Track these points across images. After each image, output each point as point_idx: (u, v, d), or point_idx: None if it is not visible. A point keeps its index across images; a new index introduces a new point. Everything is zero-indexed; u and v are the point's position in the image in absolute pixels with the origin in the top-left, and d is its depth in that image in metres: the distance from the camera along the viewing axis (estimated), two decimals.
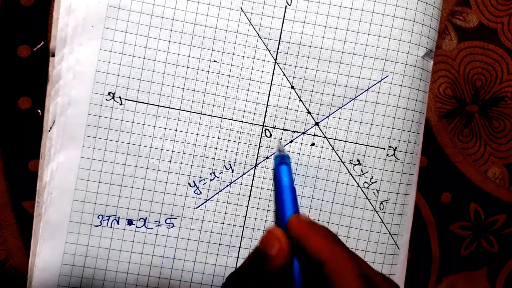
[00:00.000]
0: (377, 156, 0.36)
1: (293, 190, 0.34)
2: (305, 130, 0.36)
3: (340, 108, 0.36)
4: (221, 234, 0.36)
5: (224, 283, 0.33)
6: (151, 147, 0.35)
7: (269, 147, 0.36)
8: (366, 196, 0.36)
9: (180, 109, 0.35)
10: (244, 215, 0.36)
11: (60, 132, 0.34)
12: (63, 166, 0.34)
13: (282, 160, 0.34)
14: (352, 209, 0.36)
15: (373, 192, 0.36)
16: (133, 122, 0.35)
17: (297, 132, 0.36)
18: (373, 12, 0.35)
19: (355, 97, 0.36)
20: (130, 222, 0.35)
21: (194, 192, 0.35)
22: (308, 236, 0.29)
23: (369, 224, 0.36)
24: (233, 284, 0.31)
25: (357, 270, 0.27)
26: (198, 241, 0.36)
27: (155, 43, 0.34)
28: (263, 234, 0.35)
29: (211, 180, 0.35)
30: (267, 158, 0.36)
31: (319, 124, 0.36)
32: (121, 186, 0.35)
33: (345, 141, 0.36)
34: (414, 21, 0.35)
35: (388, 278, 0.29)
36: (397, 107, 0.36)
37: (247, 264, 0.31)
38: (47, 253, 0.34)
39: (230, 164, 0.35)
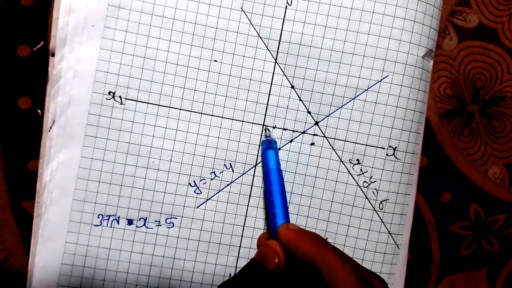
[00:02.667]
0: (377, 156, 0.36)
1: (279, 172, 0.34)
2: (305, 130, 0.36)
3: (340, 107, 0.36)
4: (222, 233, 0.36)
5: None
6: (151, 147, 0.35)
7: None
8: (365, 196, 0.36)
9: (180, 109, 0.35)
10: (245, 215, 0.36)
11: (60, 132, 0.34)
12: (63, 165, 0.34)
13: (269, 144, 0.35)
14: (351, 208, 0.36)
15: (373, 192, 0.36)
16: (133, 122, 0.35)
17: (297, 131, 0.36)
18: (373, 12, 0.35)
19: (355, 97, 0.36)
20: (130, 222, 0.35)
21: (195, 191, 0.35)
22: (299, 243, 0.30)
23: (368, 223, 0.36)
24: None
25: (351, 268, 0.28)
26: (199, 240, 0.36)
27: (156, 43, 0.34)
28: (258, 242, 0.35)
29: (211, 179, 0.35)
30: None
31: (319, 123, 0.36)
32: (121, 185, 0.35)
33: (345, 141, 0.36)
34: (414, 21, 0.35)
35: (374, 273, 0.30)
36: (397, 107, 0.36)
37: (241, 275, 0.31)
38: (47, 253, 0.34)
39: (230, 163, 0.35)
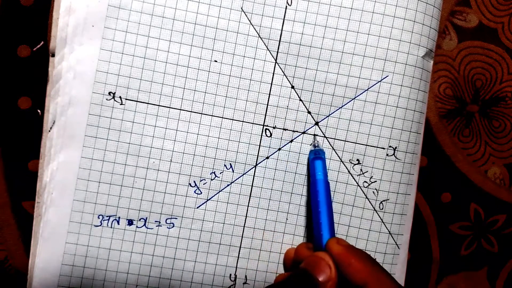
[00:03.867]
0: (377, 156, 0.36)
1: (327, 184, 0.34)
2: (305, 130, 0.36)
3: (340, 108, 0.36)
4: (222, 234, 0.36)
5: None
6: (151, 147, 0.35)
7: (270, 147, 0.36)
8: (366, 196, 0.36)
9: (180, 109, 0.35)
10: (245, 215, 0.36)
11: (61, 132, 0.34)
12: (63, 165, 0.34)
13: (317, 154, 0.35)
14: (351, 208, 0.36)
15: (373, 192, 0.36)
16: (133, 122, 0.35)
17: (297, 131, 0.36)
18: (373, 12, 0.35)
19: (355, 97, 0.36)
20: (130, 222, 0.35)
21: (195, 192, 0.35)
22: (353, 260, 0.29)
23: (368, 223, 0.36)
24: None
25: None
26: (199, 241, 0.36)
27: (156, 43, 0.34)
28: (298, 251, 0.35)
29: (211, 180, 0.35)
30: (267, 157, 0.36)
31: (319, 123, 0.36)
32: (121, 186, 0.35)
33: (345, 141, 0.36)
34: (414, 21, 0.35)
35: None
36: (397, 107, 0.36)
37: (289, 282, 0.30)
38: (47, 253, 0.34)
39: (230, 163, 0.35)
